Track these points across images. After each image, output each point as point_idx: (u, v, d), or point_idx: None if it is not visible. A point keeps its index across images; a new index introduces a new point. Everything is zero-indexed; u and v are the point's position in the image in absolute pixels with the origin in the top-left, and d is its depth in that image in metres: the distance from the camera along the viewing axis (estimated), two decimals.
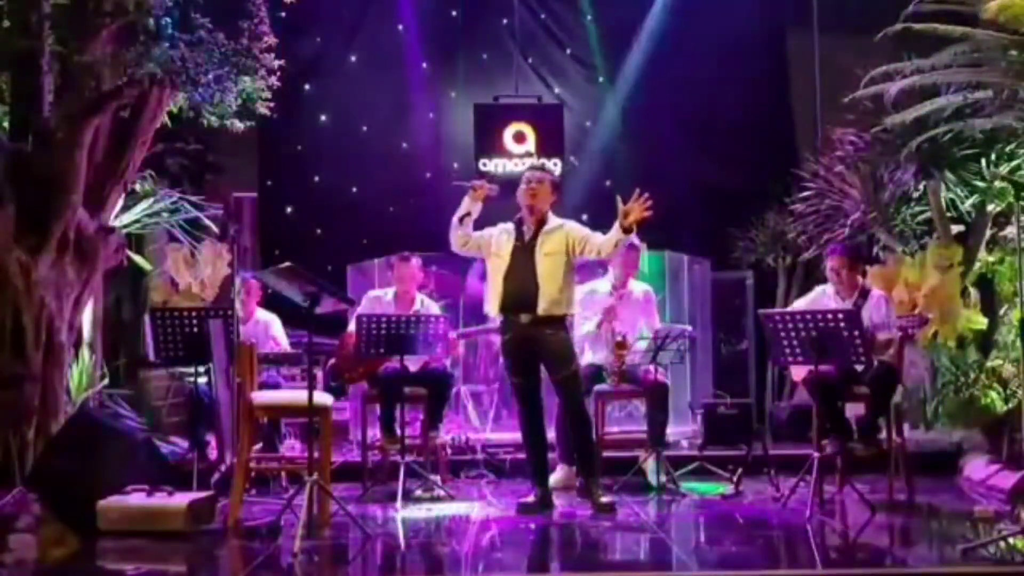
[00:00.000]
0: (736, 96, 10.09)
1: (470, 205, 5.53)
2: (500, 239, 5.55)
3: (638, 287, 6.60)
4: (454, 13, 10.74)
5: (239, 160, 9.35)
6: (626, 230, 5.27)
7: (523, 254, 5.49)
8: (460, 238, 5.57)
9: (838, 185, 8.51)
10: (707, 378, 8.72)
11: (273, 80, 6.16)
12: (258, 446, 6.13)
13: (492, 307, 5.54)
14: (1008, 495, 5.75)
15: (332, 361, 6.47)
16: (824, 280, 6.15)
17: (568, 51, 10.96)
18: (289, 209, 10.58)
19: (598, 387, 6.21)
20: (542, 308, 5.39)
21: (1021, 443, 6.25)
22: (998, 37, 6.80)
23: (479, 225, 5.63)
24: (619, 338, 6.18)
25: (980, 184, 7.67)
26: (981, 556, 4.28)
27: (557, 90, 10.92)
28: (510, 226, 5.57)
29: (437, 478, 6.19)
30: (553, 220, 5.57)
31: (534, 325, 5.42)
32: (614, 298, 6.40)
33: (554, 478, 5.91)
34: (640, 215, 5.24)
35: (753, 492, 6.05)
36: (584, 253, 5.47)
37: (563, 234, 5.50)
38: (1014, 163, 7.52)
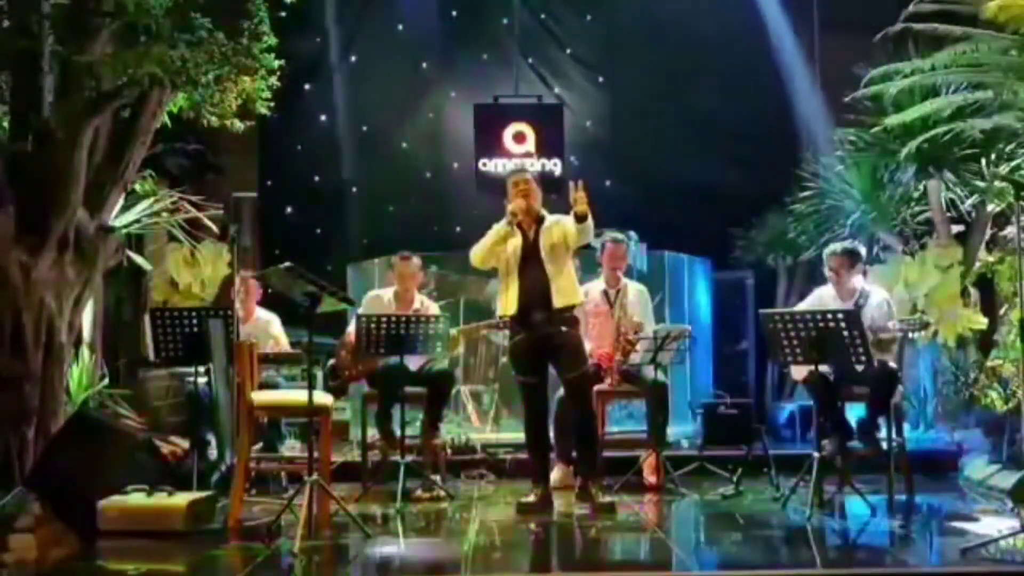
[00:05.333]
0: (736, 96, 10.10)
1: (507, 231, 5.53)
2: (506, 243, 5.57)
3: (633, 287, 6.61)
4: (454, 13, 10.75)
5: (239, 160, 9.34)
6: (579, 219, 5.31)
7: (530, 254, 5.54)
8: (486, 260, 5.60)
9: (838, 185, 8.52)
10: (707, 378, 8.73)
11: (273, 80, 6.15)
12: (258, 446, 6.13)
13: (508, 307, 5.55)
14: (1008, 495, 5.75)
15: (332, 361, 6.47)
16: (824, 280, 6.15)
17: (568, 51, 10.97)
18: (289, 209, 10.58)
19: (598, 387, 6.20)
20: (557, 302, 5.46)
21: (1021, 443, 6.26)
22: (998, 37, 6.80)
23: (477, 221, 5.66)
24: (626, 334, 6.21)
25: (980, 184, 7.67)
26: (981, 556, 4.28)
27: (557, 90, 10.93)
28: (507, 226, 5.55)
29: (437, 478, 6.19)
30: (549, 216, 5.63)
31: (549, 323, 5.47)
32: (605, 307, 6.43)
33: (552, 478, 5.91)
34: (581, 205, 5.26)
35: (753, 492, 6.06)
36: (571, 243, 5.55)
37: (560, 227, 5.55)
38: (1014, 163, 7.52)
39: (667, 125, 10.23)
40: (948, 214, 7.90)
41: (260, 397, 5.35)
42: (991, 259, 7.87)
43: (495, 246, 5.54)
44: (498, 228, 5.54)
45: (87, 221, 5.92)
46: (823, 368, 5.50)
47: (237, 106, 6.09)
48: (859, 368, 5.58)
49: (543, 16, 10.91)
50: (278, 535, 4.88)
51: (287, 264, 4.95)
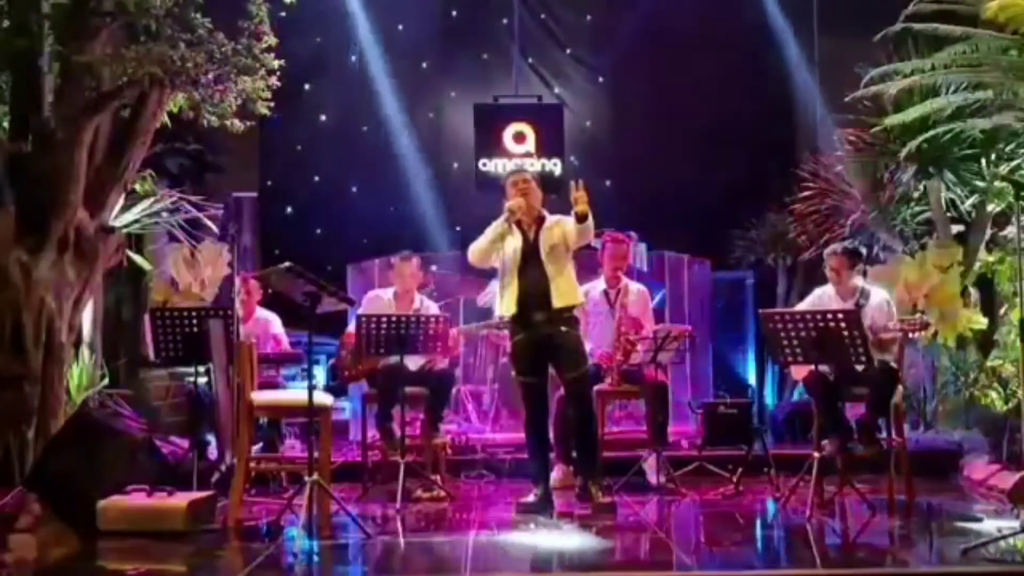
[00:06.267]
0: (736, 96, 10.10)
1: (504, 229, 5.53)
2: (505, 241, 5.56)
3: (633, 287, 6.61)
4: (454, 13, 10.75)
5: (239, 160, 9.35)
6: (579, 219, 5.30)
7: (530, 254, 5.53)
8: (483, 258, 5.60)
9: (838, 185, 8.52)
10: (707, 378, 8.73)
11: (273, 80, 6.16)
12: (258, 446, 6.14)
13: (507, 308, 5.54)
14: (1008, 495, 5.75)
15: (332, 360, 6.47)
16: (824, 280, 6.15)
17: (568, 51, 10.97)
18: (289, 209, 10.59)
19: (598, 387, 6.20)
20: (557, 303, 5.46)
21: (1021, 443, 6.26)
22: (998, 37, 6.80)
23: (477, 221, 5.65)
24: (627, 334, 6.22)
25: (980, 184, 7.67)
26: (981, 556, 4.28)
27: (557, 90, 10.93)
28: (504, 223, 5.54)
29: (437, 478, 6.19)
30: (550, 217, 5.62)
31: (549, 323, 5.47)
32: (605, 307, 6.44)
33: (552, 478, 5.90)
34: (582, 205, 5.26)
35: (753, 492, 6.05)
36: (571, 244, 5.55)
37: (560, 227, 5.55)
38: (1014, 163, 7.52)
39: (667, 124, 10.21)
40: (948, 214, 7.89)
41: (260, 397, 5.35)
42: (991, 259, 7.87)
43: (493, 244, 5.53)
44: (496, 225, 5.54)
45: (87, 221, 5.93)
46: (823, 368, 5.50)
47: (237, 106, 6.10)
48: (859, 368, 5.58)
49: (543, 16, 10.91)
50: (278, 535, 4.88)
51: (287, 264, 4.95)
